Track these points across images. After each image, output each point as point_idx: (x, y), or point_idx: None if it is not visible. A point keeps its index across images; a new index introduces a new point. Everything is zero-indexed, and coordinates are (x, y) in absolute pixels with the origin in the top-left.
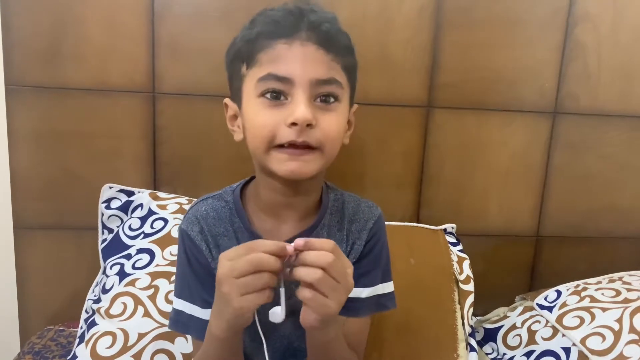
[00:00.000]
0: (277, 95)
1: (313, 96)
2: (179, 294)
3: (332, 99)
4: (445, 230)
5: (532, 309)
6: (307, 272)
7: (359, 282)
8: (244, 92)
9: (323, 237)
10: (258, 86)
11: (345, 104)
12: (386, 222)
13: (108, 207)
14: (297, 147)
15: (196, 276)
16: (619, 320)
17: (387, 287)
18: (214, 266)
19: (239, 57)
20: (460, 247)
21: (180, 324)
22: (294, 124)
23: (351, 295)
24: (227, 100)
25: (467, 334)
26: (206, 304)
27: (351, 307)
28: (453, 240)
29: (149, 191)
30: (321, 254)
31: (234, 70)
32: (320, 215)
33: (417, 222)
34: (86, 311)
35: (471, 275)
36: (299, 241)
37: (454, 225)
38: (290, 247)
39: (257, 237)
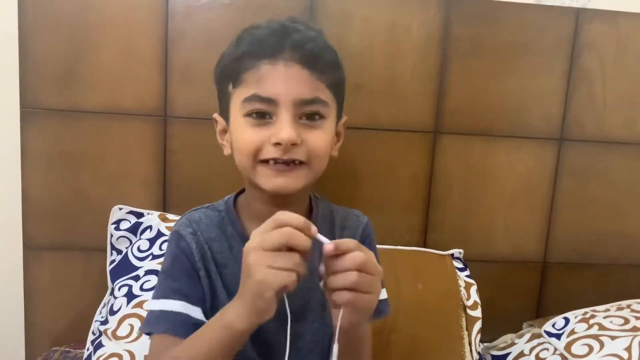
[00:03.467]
0: (262, 115)
1: (298, 115)
2: (153, 297)
3: (317, 117)
4: (452, 255)
5: (539, 336)
6: (345, 278)
7: None
8: (231, 110)
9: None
10: (243, 106)
11: (332, 119)
12: (393, 247)
13: (117, 229)
14: (284, 162)
15: (179, 269)
16: (628, 349)
17: (382, 294)
18: (199, 266)
19: (226, 76)
20: (467, 272)
21: (148, 323)
22: (278, 143)
23: None
24: (216, 115)
25: None
26: (183, 296)
27: None
28: (460, 265)
29: (158, 213)
30: (352, 256)
31: (222, 88)
32: (312, 222)
33: (424, 247)
34: (93, 332)
35: (478, 301)
36: (328, 246)
37: (462, 251)
38: (314, 228)
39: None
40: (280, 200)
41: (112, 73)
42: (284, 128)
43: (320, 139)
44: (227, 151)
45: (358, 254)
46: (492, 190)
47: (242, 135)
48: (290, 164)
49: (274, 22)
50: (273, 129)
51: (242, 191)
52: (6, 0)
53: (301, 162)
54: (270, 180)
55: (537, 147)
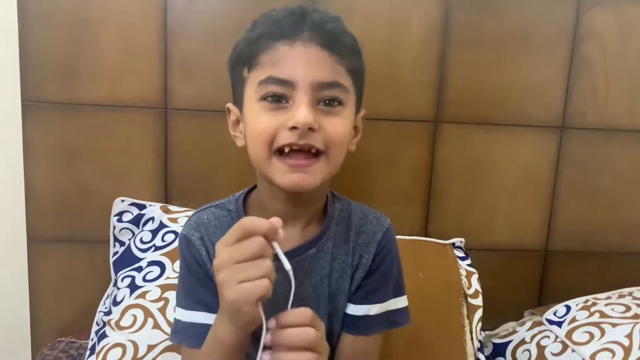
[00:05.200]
0: (278, 99)
1: (316, 99)
2: (186, 305)
3: (336, 103)
4: (453, 244)
5: (541, 324)
6: (295, 357)
7: (368, 299)
8: (246, 96)
9: (328, 249)
10: (259, 89)
11: (351, 108)
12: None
13: (120, 221)
14: (300, 154)
15: (196, 279)
16: (629, 336)
17: (400, 302)
18: (212, 273)
19: (241, 60)
20: (468, 261)
21: (177, 333)
22: (294, 127)
23: (360, 313)
24: (229, 105)
25: (476, 348)
26: (206, 307)
27: (360, 325)
28: (461, 254)
29: (160, 204)
30: (302, 331)
31: (236, 74)
32: (326, 225)
33: (425, 237)
34: (97, 323)
35: (480, 289)
36: (271, 323)
37: (463, 240)
38: (279, 222)
39: None
40: (295, 199)
41: (113, 66)
42: (300, 110)
43: (339, 126)
44: (240, 142)
45: (308, 331)
46: (493, 179)
47: (256, 120)
48: (308, 157)
49: (292, 6)
50: (289, 113)
51: (254, 188)
52: None
53: (317, 153)
54: (285, 176)
55: (538, 136)
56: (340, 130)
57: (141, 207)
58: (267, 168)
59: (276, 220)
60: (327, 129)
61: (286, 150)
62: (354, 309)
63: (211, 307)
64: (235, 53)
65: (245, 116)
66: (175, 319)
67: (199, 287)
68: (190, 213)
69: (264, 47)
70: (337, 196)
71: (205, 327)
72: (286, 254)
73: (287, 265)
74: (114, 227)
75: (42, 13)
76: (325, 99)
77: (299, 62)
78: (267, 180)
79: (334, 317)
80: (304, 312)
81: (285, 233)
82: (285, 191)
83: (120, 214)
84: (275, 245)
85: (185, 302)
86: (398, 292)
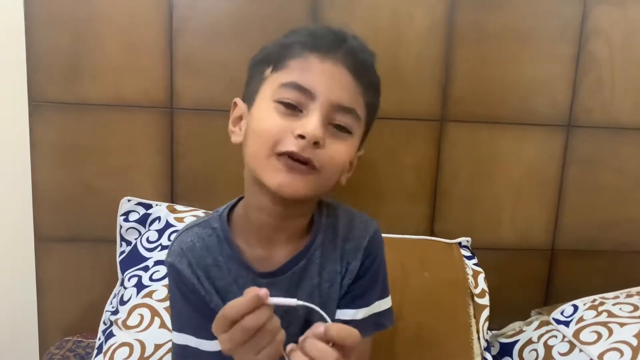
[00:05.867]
0: (293, 107)
1: (329, 120)
2: (179, 328)
3: (345, 131)
4: (460, 243)
5: (548, 323)
6: None
7: (355, 303)
8: (260, 94)
9: (317, 259)
10: (278, 91)
11: (356, 141)
12: (400, 236)
13: (126, 220)
14: (299, 161)
15: (194, 309)
16: (637, 336)
17: (384, 304)
18: (209, 299)
19: (266, 60)
20: (475, 260)
21: (174, 355)
22: (301, 136)
23: (346, 317)
24: (237, 100)
25: (483, 348)
26: (210, 334)
27: None
28: (468, 253)
29: (167, 204)
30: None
31: (256, 72)
32: (313, 235)
33: (431, 236)
34: (104, 322)
35: (486, 289)
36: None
37: (469, 239)
38: (263, 292)
39: (248, 267)
40: (280, 211)
41: (118, 65)
42: (312, 122)
43: (342, 152)
44: (235, 139)
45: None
46: (499, 177)
47: (264, 120)
48: (304, 164)
49: (334, 27)
50: (300, 121)
51: (238, 201)
52: None
53: (314, 168)
54: (278, 174)
55: (544, 134)
56: (342, 156)
57: (147, 206)
58: (262, 166)
59: (263, 293)
60: (330, 150)
61: (284, 158)
62: (340, 314)
63: (201, 333)
64: (262, 53)
65: (253, 114)
66: (179, 344)
67: (198, 316)
68: (196, 212)
69: (296, 54)
70: (324, 202)
71: (197, 351)
72: (276, 271)
73: (293, 302)
74: (121, 227)
75: (47, 13)
76: (338, 123)
77: (326, 77)
78: (256, 186)
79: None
80: (348, 332)
81: (274, 248)
82: (273, 197)
83: (126, 213)
84: (271, 300)
85: (191, 328)
86: (383, 294)
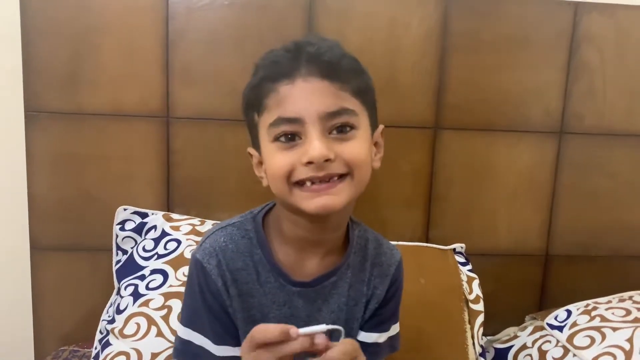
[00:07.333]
0: (291, 137)
1: (327, 129)
2: (187, 323)
3: (347, 128)
4: (454, 250)
5: (542, 328)
6: None
7: (379, 327)
8: (260, 139)
9: (347, 277)
10: (270, 132)
11: (365, 128)
12: (395, 242)
13: (122, 229)
14: (321, 181)
15: (209, 310)
16: (630, 340)
17: (396, 328)
18: (229, 303)
19: (250, 106)
20: (469, 266)
21: (189, 354)
22: (310, 162)
23: (370, 340)
24: (250, 149)
25: (478, 353)
26: (219, 339)
27: (369, 351)
28: (462, 260)
29: (163, 213)
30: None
31: (249, 119)
32: (347, 254)
33: (426, 242)
34: (100, 331)
35: (481, 295)
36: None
37: (463, 245)
38: (293, 331)
39: (279, 271)
40: (318, 227)
41: (115, 75)
42: (313, 145)
43: (356, 149)
44: (265, 183)
45: None
46: (493, 184)
47: (273, 161)
48: (329, 181)
49: (287, 43)
50: (303, 148)
51: (274, 205)
52: (9, 4)
53: (341, 176)
54: (310, 201)
55: (537, 140)
56: (358, 152)
57: (143, 215)
58: (291, 199)
59: (294, 332)
60: (344, 155)
61: (308, 184)
62: (365, 337)
63: (213, 337)
64: (244, 100)
65: (264, 158)
66: (183, 339)
67: (211, 317)
68: (192, 221)
69: (267, 90)
70: (355, 221)
71: (201, 349)
72: (309, 282)
73: (323, 328)
74: (117, 236)
75: (44, 22)
76: (336, 127)
77: (302, 98)
78: (292, 209)
79: None
80: (350, 345)
81: (306, 259)
82: (311, 216)
83: (122, 222)
84: (301, 332)
85: (200, 327)
86: (396, 319)
